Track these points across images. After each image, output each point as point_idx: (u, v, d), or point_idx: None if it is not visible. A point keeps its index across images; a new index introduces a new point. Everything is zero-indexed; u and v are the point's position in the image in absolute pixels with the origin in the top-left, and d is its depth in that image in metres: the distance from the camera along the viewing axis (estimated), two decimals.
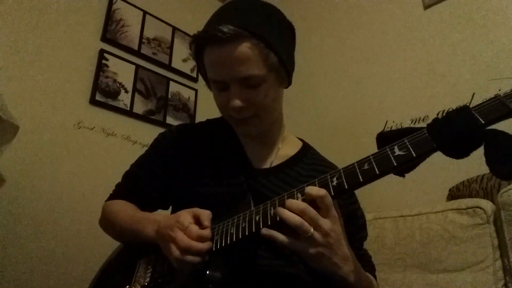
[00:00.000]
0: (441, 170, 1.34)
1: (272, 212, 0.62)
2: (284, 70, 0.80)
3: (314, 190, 0.58)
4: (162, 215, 0.79)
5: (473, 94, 1.41)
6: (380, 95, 1.74)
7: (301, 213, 0.58)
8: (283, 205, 0.60)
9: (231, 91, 0.76)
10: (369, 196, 1.47)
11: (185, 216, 0.70)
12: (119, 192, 0.95)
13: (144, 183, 0.92)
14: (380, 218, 1.35)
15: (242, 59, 0.72)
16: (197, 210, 0.71)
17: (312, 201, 0.59)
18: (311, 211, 0.57)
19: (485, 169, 1.16)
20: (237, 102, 0.75)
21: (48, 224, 1.62)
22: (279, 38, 0.77)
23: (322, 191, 0.58)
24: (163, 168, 0.91)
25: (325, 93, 2.00)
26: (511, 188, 1.04)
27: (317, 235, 0.57)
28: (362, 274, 0.70)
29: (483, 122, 0.48)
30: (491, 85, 1.36)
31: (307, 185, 0.62)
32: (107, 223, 0.92)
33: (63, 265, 1.62)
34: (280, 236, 0.59)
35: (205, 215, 0.70)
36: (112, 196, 0.96)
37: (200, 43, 0.76)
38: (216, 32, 0.70)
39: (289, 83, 0.86)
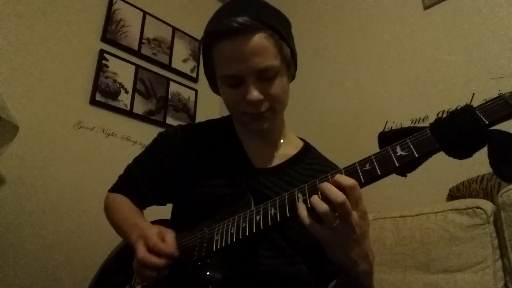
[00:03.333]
0: (441, 170, 1.34)
1: (272, 212, 0.62)
2: (293, 62, 0.81)
3: (343, 179, 0.54)
4: (147, 225, 0.80)
5: (473, 94, 1.41)
6: (380, 95, 1.74)
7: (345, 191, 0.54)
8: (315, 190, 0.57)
9: (248, 84, 0.74)
10: (369, 196, 1.47)
11: (151, 229, 0.72)
12: (120, 186, 0.96)
13: (141, 184, 0.92)
14: (380, 218, 1.35)
15: (259, 50, 0.71)
16: (162, 227, 0.73)
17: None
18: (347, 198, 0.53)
19: (485, 170, 1.17)
20: (256, 94, 0.74)
21: (48, 224, 1.62)
22: (287, 31, 0.78)
23: (351, 181, 0.54)
24: (161, 170, 0.92)
25: (325, 93, 2.00)
26: (511, 189, 1.04)
27: (342, 226, 0.54)
28: (372, 280, 0.66)
29: (486, 122, 0.47)
30: (491, 86, 1.36)
31: (318, 180, 0.60)
32: (107, 215, 0.95)
33: (63, 264, 1.62)
34: (305, 216, 0.56)
35: (168, 231, 0.71)
36: (114, 188, 0.98)
37: (211, 39, 0.75)
38: (231, 24, 0.69)
39: (293, 77, 0.87)
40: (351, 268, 0.58)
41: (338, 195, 0.53)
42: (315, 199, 0.55)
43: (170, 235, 0.71)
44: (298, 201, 0.60)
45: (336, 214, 0.53)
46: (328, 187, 0.54)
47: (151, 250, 0.68)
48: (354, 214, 0.54)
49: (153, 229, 0.72)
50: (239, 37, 0.71)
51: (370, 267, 0.60)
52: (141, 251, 0.68)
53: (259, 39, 0.71)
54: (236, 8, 0.74)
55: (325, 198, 0.54)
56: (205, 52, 0.79)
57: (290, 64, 0.80)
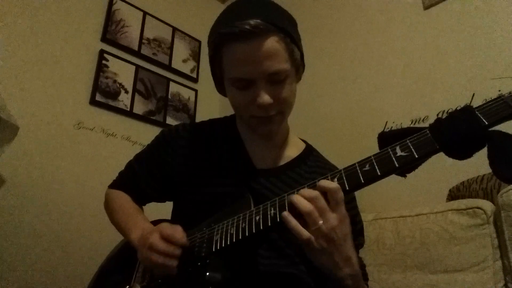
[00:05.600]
0: (441, 170, 1.34)
1: (272, 213, 0.62)
2: (302, 65, 0.81)
3: (326, 182, 0.58)
4: (150, 225, 0.82)
5: (473, 94, 1.41)
6: (380, 95, 1.74)
7: (311, 201, 0.57)
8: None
9: (259, 87, 0.73)
10: (369, 197, 1.47)
11: (165, 223, 0.75)
12: (120, 183, 0.97)
13: (141, 181, 0.93)
14: (380, 218, 1.35)
15: (271, 54, 0.71)
16: (173, 224, 0.75)
17: (323, 194, 0.58)
18: (321, 201, 0.57)
19: (485, 170, 1.16)
20: (267, 98, 0.73)
21: (48, 224, 1.62)
22: (297, 33, 0.78)
23: (334, 185, 0.57)
24: (161, 168, 0.92)
25: (325, 94, 1.99)
26: (511, 189, 1.04)
27: (323, 227, 0.56)
28: (361, 282, 0.68)
29: (486, 123, 0.47)
30: (491, 86, 1.36)
31: (308, 186, 0.62)
32: (107, 212, 0.96)
33: (63, 264, 1.62)
34: (293, 221, 0.58)
35: (179, 226, 0.74)
36: (115, 184, 0.99)
37: (223, 40, 0.73)
38: (244, 26, 0.68)
39: (299, 79, 0.86)
40: (334, 272, 0.60)
41: (306, 205, 0.57)
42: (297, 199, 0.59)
43: (179, 228, 0.73)
44: None
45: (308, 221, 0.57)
46: (297, 199, 0.58)
47: (166, 238, 0.70)
48: (335, 217, 0.57)
49: (164, 223, 0.75)
50: (251, 40, 0.70)
51: (353, 270, 0.61)
52: (154, 238, 0.70)
53: (272, 42, 0.70)
54: (247, 9, 0.73)
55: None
56: (214, 54, 0.78)
57: (299, 67, 0.80)
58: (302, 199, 0.58)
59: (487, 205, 1.09)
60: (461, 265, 1.08)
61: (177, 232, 0.71)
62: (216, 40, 0.74)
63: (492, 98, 0.47)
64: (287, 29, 0.72)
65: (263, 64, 0.71)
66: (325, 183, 0.58)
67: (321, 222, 0.56)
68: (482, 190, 1.17)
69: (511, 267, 1.02)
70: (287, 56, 0.73)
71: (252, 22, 0.68)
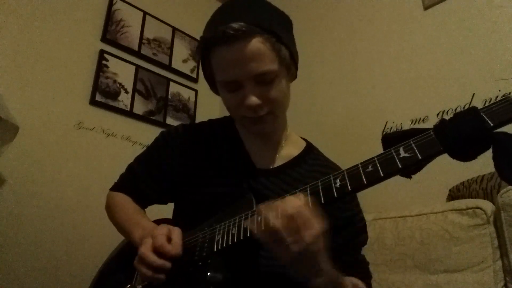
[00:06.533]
0: (441, 170, 1.34)
1: (274, 213, 0.62)
2: (293, 64, 0.81)
3: (288, 205, 0.55)
4: (151, 224, 0.81)
5: (473, 94, 1.41)
6: (380, 95, 1.74)
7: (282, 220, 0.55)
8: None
9: (246, 89, 0.74)
10: (369, 196, 1.47)
11: (161, 228, 0.73)
12: (122, 185, 0.97)
13: (142, 183, 0.92)
14: (380, 218, 1.35)
15: (256, 55, 0.71)
16: (171, 226, 0.74)
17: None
18: (292, 222, 0.54)
19: (485, 170, 1.17)
20: (254, 100, 0.74)
21: (48, 224, 1.62)
22: (286, 32, 0.78)
23: (293, 209, 0.54)
24: (162, 170, 0.91)
25: (325, 94, 2.00)
26: (511, 189, 1.04)
27: (291, 246, 0.54)
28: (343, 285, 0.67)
29: (491, 124, 0.46)
30: (491, 86, 1.36)
31: (309, 186, 0.62)
32: (109, 214, 0.95)
33: (63, 264, 1.62)
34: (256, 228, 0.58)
35: (176, 231, 0.72)
36: (116, 186, 0.98)
37: (209, 45, 0.74)
38: (227, 30, 0.69)
39: (295, 77, 0.86)
40: (308, 279, 0.59)
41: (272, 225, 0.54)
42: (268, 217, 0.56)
43: (177, 235, 0.72)
44: None
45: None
46: (265, 216, 0.56)
47: (156, 249, 0.69)
48: (300, 239, 0.54)
49: (162, 229, 0.73)
50: (235, 43, 0.70)
51: (328, 278, 0.60)
52: (144, 248, 0.69)
53: (256, 44, 0.71)
54: (233, 12, 0.74)
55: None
56: (203, 58, 0.79)
57: (289, 66, 0.79)
58: (271, 217, 0.55)
59: (487, 205, 1.09)
60: (461, 265, 1.08)
61: (173, 241, 0.70)
62: (202, 45, 0.76)
63: (497, 99, 0.46)
64: (271, 29, 0.72)
65: (249, 66, 0.71)
66: (287, 206, 0.55)
67: (289, 240, 0.54)
68: (482, 190, 1.17)
69: (511, 267, 1.02)
70: (273, 56, 0.73)
71: (235, 25, 0.69)
